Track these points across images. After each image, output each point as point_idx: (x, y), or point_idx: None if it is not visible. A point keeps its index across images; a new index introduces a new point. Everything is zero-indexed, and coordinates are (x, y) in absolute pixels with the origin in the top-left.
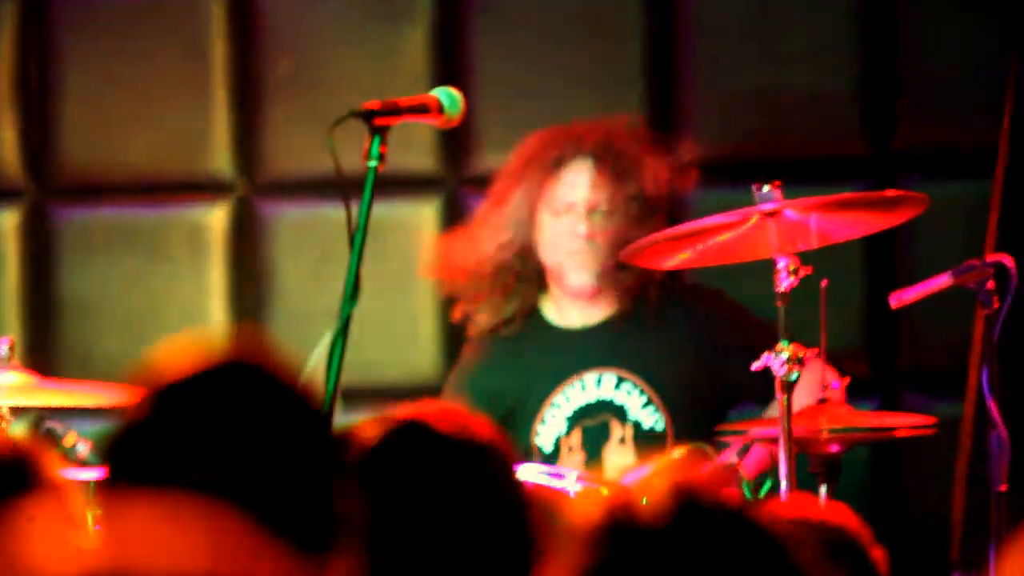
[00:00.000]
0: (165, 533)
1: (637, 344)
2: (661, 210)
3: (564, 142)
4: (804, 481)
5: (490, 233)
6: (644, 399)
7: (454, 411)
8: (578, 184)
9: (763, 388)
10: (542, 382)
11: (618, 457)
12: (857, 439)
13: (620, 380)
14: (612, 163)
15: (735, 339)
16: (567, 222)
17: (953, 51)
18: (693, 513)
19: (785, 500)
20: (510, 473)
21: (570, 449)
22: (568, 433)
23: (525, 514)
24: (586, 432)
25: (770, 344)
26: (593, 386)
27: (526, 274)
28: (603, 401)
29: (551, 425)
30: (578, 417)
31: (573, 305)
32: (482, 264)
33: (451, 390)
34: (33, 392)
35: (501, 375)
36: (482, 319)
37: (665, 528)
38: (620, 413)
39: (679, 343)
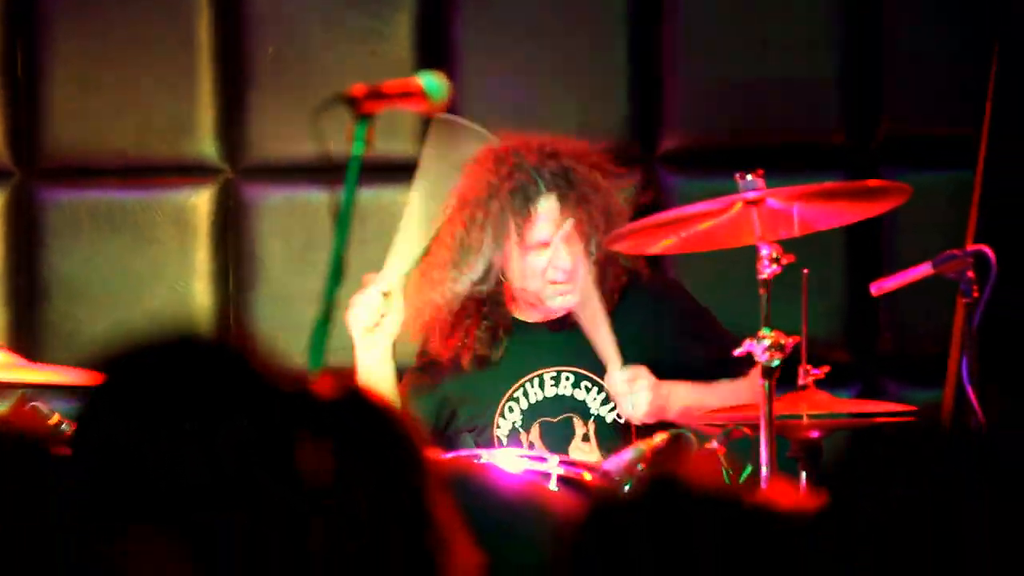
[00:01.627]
0: None
1: None
2: (627, 217)
3: (524, 181)
4: (783, 466)
5: (465, 273)
6: (603, 395)
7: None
8: (551, 220)
9: (718, 371)
10: (503, 375)
11: (582, 454)
12: (837, 426)
13: (579, 377)
14: (575, 194)
15: (695, 332)
16: (545, 255)
17: (935, 41)
18: (669, 493)
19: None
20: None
21: (530, 445)
22: (527, 429)
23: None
24: (548, 429)
25: (726, 344)
26: (551, 383)
27: (495, 298)
28: (562, 397)
29: (509, 419)
30: (536, 413)
31: (542, 312)
32: (461, 304)
33: (411, 393)
34: (17, 371)
35: (462, 376)
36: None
37: (642, 507)
38: (582, 410)
39: (639, 335)
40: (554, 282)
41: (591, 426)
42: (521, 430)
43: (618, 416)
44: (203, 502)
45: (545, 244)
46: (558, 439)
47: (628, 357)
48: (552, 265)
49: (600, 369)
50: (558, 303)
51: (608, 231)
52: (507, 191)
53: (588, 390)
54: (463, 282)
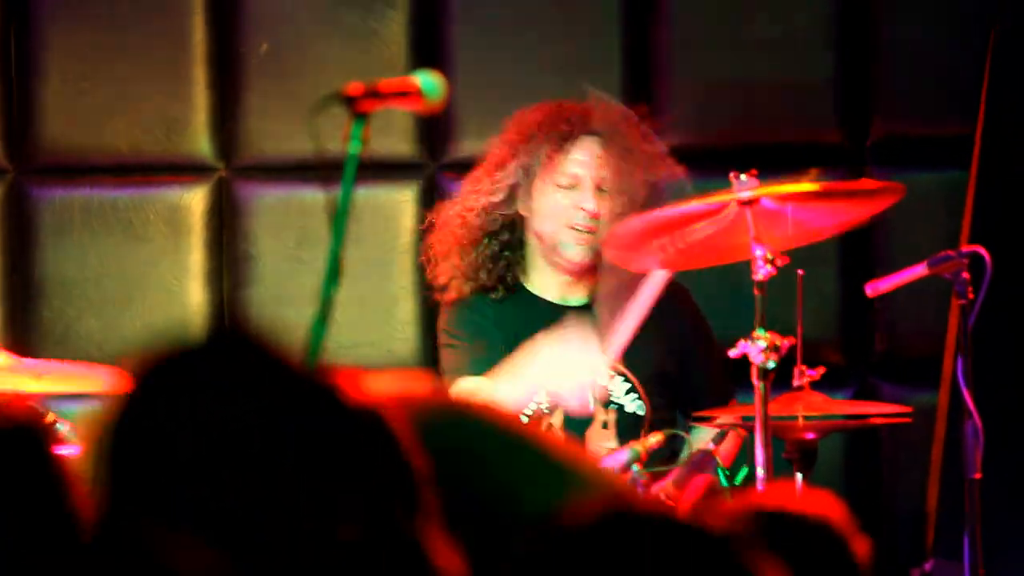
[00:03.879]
0: None
1: None
2: (655, 194)
3: (570, 117)
4: (779, 468)
5: (483, 193)
6: (628, 385)
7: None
8: (587, 160)
9: (716, 394)
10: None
11: (600, 440)
12: (833, 427)
13: None
14: (619, 143)
15: (696, 343)
16: (572, 196)
17: (930, 41)
18: (620, 518)
19: (764, 489)
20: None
21: (550, 429)
22: (550, 412)
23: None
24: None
25: (720, 362)
26: None
27: (511, 244)
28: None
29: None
30: None
31: (556, 281)
32: (469, 221)
33: (452, 329)
34: (14, 373)
35: (489, 327)
36: (462, 285)
37: (591, 531)
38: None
39: (654, 332)
40: (573, 227)
41: (611, 414)
42: (545, 412)
43: (639, 407)
44: (244, 499)
45: (575, 183)
46: (578, 425)
47: (652, 355)
48: (576, 205)
49: (628, 357)
50: (571, 253)
51: (644, 201)
52: (549, 125)
53: (613, 378)
54: (481, 199)
